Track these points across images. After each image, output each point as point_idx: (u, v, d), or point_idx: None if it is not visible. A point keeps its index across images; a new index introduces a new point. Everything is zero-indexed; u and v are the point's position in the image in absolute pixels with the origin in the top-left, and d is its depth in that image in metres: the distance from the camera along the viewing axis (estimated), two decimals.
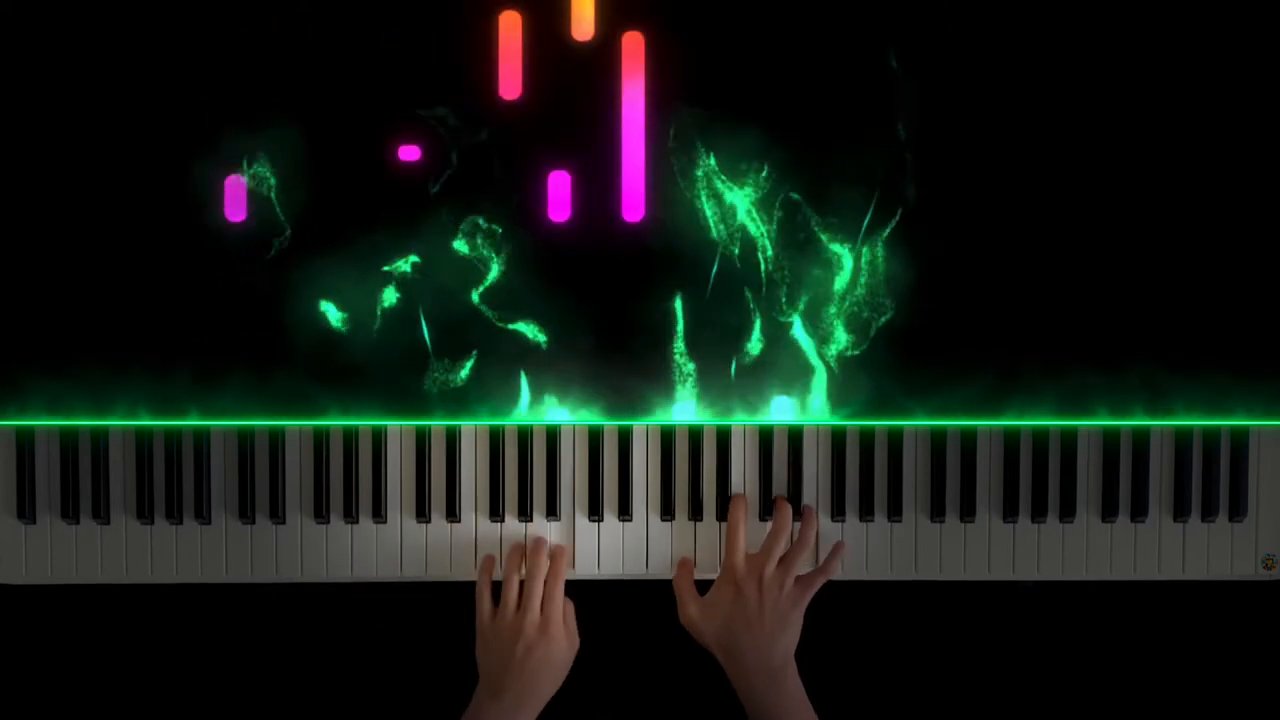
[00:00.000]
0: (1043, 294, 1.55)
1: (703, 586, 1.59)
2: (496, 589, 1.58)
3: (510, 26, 1.52)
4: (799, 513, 1.60)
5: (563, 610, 1.58)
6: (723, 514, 1.61)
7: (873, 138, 1.53)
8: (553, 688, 1.57)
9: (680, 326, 1.54)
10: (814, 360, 1.55)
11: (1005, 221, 1.55)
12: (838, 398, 1.55)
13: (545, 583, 1.57)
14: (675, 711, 1.71)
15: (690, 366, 1.54)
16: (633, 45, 1.52)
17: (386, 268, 1.53)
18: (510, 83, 1.52)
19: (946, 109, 1.54)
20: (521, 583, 1.57)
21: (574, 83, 1.53)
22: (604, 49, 1.53)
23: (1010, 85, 1.54)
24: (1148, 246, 1.55)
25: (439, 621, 1.64)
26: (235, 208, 1.53)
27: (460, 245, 1.53)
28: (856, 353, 1.54)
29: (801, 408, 1.55)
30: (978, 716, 1.75)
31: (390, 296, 1.53)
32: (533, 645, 1.55)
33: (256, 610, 1.67)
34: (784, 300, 1.54)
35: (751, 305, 1.54)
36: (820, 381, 1.55)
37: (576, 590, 1.61)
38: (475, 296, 1.54)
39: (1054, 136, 1.54)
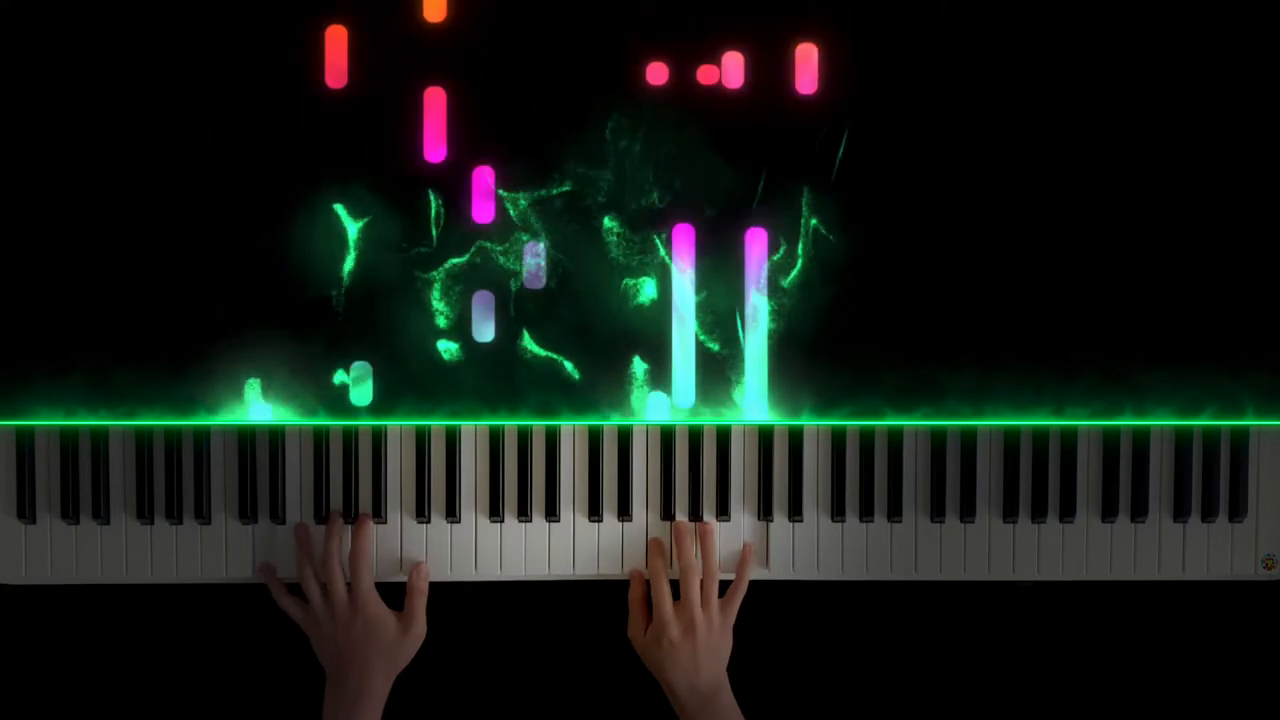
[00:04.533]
0: (1044, 295, 1.55)
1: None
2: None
3: None
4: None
5: (419, 593, 1.58)
6: (724, 514, 1.61)
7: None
8: (388, 667, 1.56)
9: None
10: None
11: (1008, 223, 1.55)
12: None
13: (351, 561, 1.57)
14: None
15: None
16: None
17: None
18: None
19: (919, 109, 1.54)
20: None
21: None
22: None
23: (1004, 87, 1.54)
24: (1149, 246, 1.55)
25: (437, 621, 1.64)
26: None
27: None
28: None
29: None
30: (977, 716, 1.75)
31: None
32: (348, 623, 1.55)
33: (256, 610, 1.66)
34: None
35: None
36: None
37: (575, 591, 1.61)
38: None
39: (1051, 137, 1.55)
